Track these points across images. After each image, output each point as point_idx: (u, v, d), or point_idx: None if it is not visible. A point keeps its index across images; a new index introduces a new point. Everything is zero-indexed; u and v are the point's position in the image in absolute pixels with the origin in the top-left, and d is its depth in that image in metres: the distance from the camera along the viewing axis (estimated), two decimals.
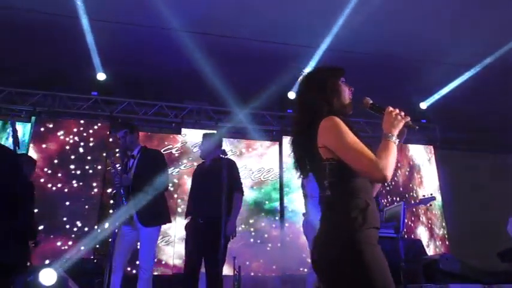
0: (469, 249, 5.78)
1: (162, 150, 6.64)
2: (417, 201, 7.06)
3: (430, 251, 6.64)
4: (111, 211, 3.97)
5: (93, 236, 5.68)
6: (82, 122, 6.54)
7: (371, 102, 1.76)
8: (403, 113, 1.68)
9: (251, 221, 6.73)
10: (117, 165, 3.87)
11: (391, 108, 1.69)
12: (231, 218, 3.86)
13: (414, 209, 6.75)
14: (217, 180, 3.76)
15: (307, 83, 1.83)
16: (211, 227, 3.73)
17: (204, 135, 4.26)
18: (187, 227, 4.06)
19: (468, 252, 5.50)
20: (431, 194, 5.03)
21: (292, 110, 6.85)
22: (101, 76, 6.14)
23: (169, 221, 3.98)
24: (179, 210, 6.39)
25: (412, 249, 4.20)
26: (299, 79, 1.88)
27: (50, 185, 6.12)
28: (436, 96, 6.89)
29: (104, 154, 6.44)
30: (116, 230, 3.64)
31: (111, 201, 3.94)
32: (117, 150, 6.11)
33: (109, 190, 6.17)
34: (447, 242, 6.88)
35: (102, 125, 6.65)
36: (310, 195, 3.64)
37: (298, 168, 1.81)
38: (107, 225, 5.05)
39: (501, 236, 4.30)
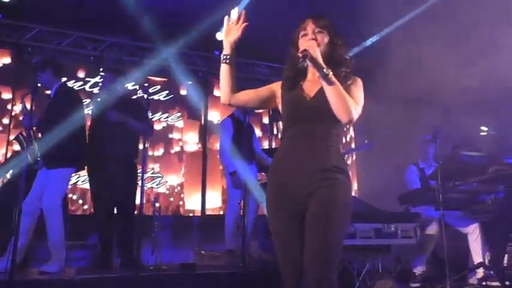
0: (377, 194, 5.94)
1: (77, 85, 6.24)
2: (353, 147, 7.22)
3: None
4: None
5: None
6: None
7: None
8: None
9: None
10: (27, 104, 3.55)
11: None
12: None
13: None
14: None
15: None
16: (121, 168, 3.70)
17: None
18: (93, 167, 3.83)
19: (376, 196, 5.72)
20: (366, 141, 4.94)
21: (219, 51, 6.67)
22: None
23: (80, 166, 3.70)
24: None
25: None
26: None
27: None
28: None
29: (10, 87, 5.87)
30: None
31: (16, 142, 3.66)
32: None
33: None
34: (356, 187, 7.42)
35: (9, 52, 6.02)
36: None
37: None
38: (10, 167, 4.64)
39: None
